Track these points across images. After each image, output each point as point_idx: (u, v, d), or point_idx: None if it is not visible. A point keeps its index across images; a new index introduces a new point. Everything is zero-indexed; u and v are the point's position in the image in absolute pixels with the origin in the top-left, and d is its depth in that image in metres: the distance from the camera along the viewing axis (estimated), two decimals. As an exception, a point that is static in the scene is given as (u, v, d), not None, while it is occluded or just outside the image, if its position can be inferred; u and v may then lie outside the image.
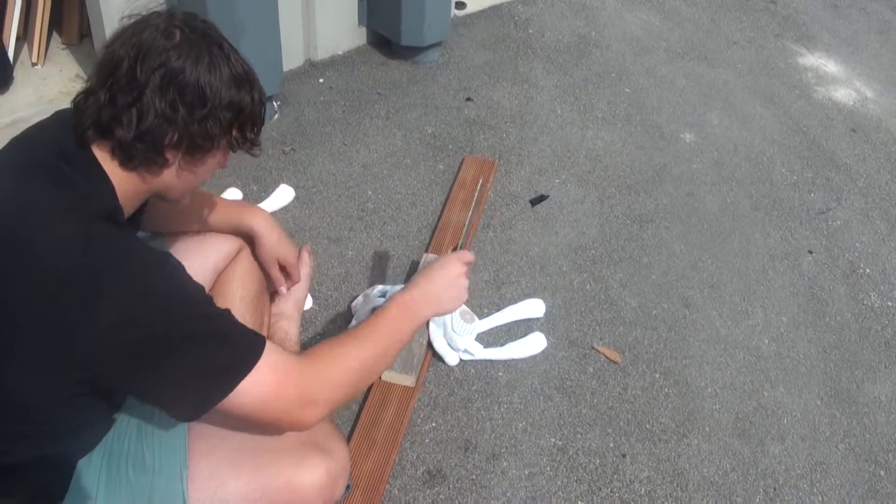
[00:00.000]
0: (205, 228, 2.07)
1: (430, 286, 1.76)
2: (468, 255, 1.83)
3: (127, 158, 1.44)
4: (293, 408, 1.49)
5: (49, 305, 1.32)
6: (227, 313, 1.47)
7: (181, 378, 1.40)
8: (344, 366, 1.58)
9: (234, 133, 1.53)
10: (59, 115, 1.53)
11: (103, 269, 1.33)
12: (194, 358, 1.39)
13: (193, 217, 2.03)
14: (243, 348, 1.44)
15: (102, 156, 1.44)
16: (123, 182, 1.47)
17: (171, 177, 1.51)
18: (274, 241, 2.12)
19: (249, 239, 2.13)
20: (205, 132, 1.46)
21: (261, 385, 1.43)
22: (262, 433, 1.60)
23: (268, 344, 1.46)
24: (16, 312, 1.33)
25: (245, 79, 1.51)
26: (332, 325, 2.48)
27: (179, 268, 1.44)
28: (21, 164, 1.44)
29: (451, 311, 1.81)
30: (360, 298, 2.49)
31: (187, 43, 1.43)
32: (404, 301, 1.71)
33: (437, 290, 1.76)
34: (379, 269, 2.64)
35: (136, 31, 1.44)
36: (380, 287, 2.47)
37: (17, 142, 1.51)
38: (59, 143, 1.44)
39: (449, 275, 1.78)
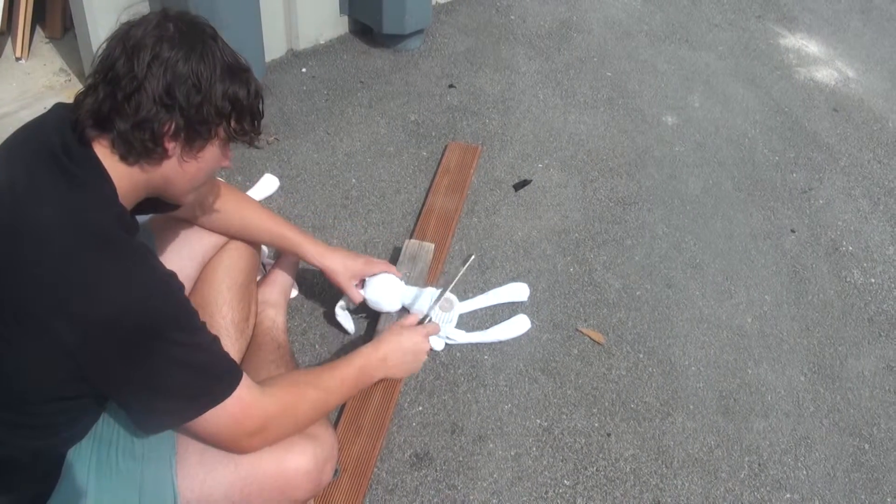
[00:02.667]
0: (243, 234, 2.15)
1: (393, 357, 2.01)
2: (436, 328, 2.14)
3: (127, 151, 1.48)
4: (243, 438, 1.59)
5: (52, 299, 1.35)
6: (215, 341, 1.54)
7: (157, 394, 1.47)
8: (303, 410, 1.71)
9: (232, 124, 1.57)
10: (58, 111, 1.56)
11: (112, 273, 1.38)
12: (175, 380, 1.47)
13: (232, 217, 2.10)
14: (221, 380, 1.53)
15: (103, 153, 1.48)
16: (123, 178, 1.50)
17: (172, 169, 1.55)
18: (339, 268, 2.27)
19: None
20: (201, 118, 1.50)
21: (224, 416, 1.52)
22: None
23: (243, 378, 1.55)
24: (21, 303, 1.37)
25: (239, 69, 1.56)
26: (317, 313, 2.49)
27: (182, 289, 1.50)
28: (33, 159, 1.47)
29: (397, 378, 2.09)
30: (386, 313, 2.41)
31: (180, 35, 1.48)
32: (367, 363, 1.94)
33: (397, 362, 2.02)
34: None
35: (131, 27, 1.49)
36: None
37: (24, 135, 1.54)
38: (63, 141, 1.47)
39: (413, 351, 2.05)
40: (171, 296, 1.47)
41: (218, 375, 1.52)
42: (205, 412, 1.50)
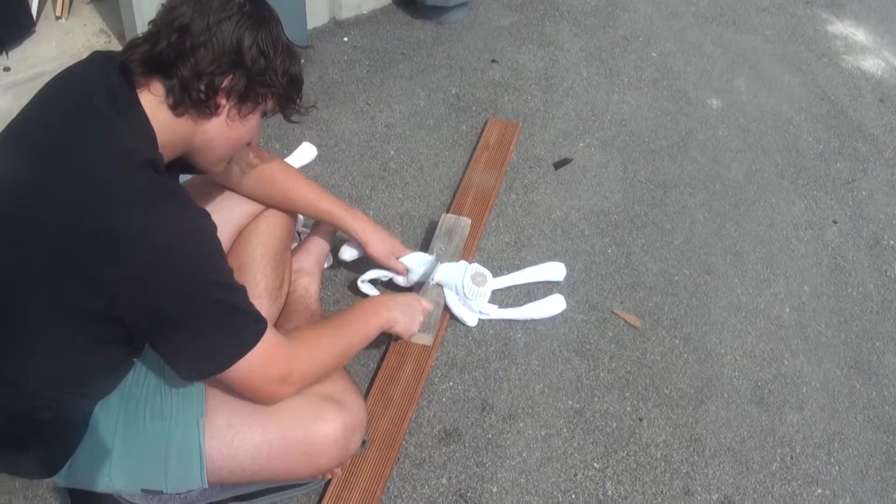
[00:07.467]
0: (286, 205, 2.16)
1: (394, 299, 2.06)
2: (427, 304, 2.18)
3: (181, 99, 1.51)
4: (272, 384, 1.60)
5: (84, 247, 1.35)
6: (243, 289, 1.54)
7: (191, 338, 1.48)
8: (327, 351, 1.73)
9: (282, 97, 1.65)
10: (101, 60, 1.57)
11: (146, 214, 1.38)
12: (209, 323, 1.47)
13: (279, 189, 2.12)
14: (251, 327, 1.53)
15: (151, 100, 1.51)
16: (166, 128, 1.52)
17: (216, 128, 1.58)
18: (379, 242, 2.30)
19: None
20: (263, 81, 1.57)
21: (252, 363, 1.52)
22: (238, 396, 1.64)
23: (268, 326, 1.56)
24: (55, 249, 1.36)
25: (296, 52, 1.65)
26: (352, 284, 2.48)
27: (215, 229, 1.49)
28: (70, 106, 1.48)
29: (397, 330, 2.04)
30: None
31: (250, 7, 1.55)
32: (367, 303, 1.98)
33: (396, 304, 2.04)
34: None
35: None
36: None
37: (62, 81, 1.55)
38: (108, 86, 1.49)
39: (410, 301, 2.10)
40: (205, 235, 1.47)
41: (248, 320, 1.53)
42: (242, 356, 1.51)
